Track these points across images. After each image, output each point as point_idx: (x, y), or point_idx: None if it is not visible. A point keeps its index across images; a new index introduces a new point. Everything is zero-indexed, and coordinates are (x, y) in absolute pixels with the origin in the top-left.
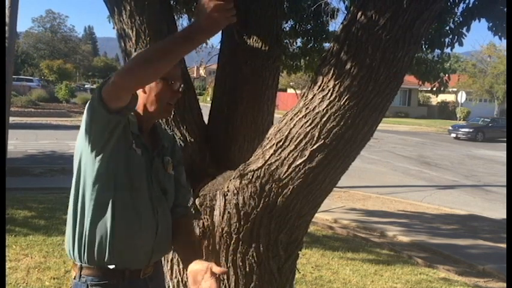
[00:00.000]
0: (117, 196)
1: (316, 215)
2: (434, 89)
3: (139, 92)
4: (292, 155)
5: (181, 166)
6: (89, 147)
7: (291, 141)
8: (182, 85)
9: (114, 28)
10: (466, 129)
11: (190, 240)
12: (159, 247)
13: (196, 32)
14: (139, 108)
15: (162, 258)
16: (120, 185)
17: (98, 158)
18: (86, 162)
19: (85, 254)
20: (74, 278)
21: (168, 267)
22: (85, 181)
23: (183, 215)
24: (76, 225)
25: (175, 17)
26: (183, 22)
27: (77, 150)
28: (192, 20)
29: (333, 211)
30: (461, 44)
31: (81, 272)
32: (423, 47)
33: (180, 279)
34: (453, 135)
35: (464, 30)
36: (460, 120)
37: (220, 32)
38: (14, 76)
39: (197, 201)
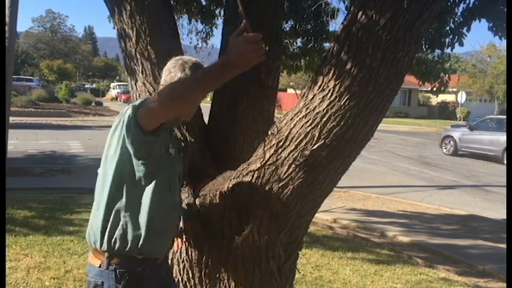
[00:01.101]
0: (155, 193)
1: (316, 215)
2: (435, 89)
3: None
4: (292, 155)
5: None
6: (132, 153)
7: (291, 141)
8: None
9: (114, 28)
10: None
11: None
12: (174, 237)
13: (230, 69)
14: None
15: None
16: (159, 185)
17: (140, 162)
18: (124, 160)
19: (117, 244)
20: (99, 266)
21: None
22: (125, 179)
23: None
24: (110, 217)
25: (175, 17)
26: (183, 22)
27: (114, 148)
28: (222, 54)
29: (333, 211)
30: (461, 44)
31: (109, 260)
32: (423, 47)
33: (180, 279)
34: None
35: (464, 31)
36: (460, 120)
37: (221, 32)
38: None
39: (197, 201)
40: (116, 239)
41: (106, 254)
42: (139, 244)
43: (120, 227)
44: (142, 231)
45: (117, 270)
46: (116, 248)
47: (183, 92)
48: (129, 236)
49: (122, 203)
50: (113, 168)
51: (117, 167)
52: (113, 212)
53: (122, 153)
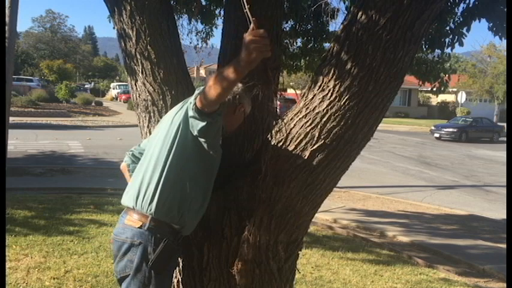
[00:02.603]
0: (208, 178)
1: (316, 215)
2: (435, 89)
3: None
4: (293, 155)
5: None
6: (197, 133)
7: (291, 141)
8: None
9: (114, 28)
10: (450, 129)
11: None
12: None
13: (243, 66)
14: (228, 125)
15: None
16: (211, 170)
17: (203, 140)
18: (189, 141)
19: (162, 211)
20: (140, 227)
21: None
22: (183, 156)
23: None
24: (163, 185)
25: (175, 17)
26: (183, 22)
27: (177, 127)
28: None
29: (333, 211)
30: (461, 44)
31: (153, 223)
32: (423, 47)
33: (180, 279)
34: (436, 135)
35: (464, 31)
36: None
37: (221, 32)
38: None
39: None
40: (164, 204)
41: (150, 217)
42: (179, 215)
43: (172, 196)
44: (187, 204)
45: (157, 234)
46: (162, 213)
47: (223, 87)
48: (176, 206)
49: (177, 175)
50: (169, 141)
51: (172, 141)
52: (168, 181)
53: (180, 131)
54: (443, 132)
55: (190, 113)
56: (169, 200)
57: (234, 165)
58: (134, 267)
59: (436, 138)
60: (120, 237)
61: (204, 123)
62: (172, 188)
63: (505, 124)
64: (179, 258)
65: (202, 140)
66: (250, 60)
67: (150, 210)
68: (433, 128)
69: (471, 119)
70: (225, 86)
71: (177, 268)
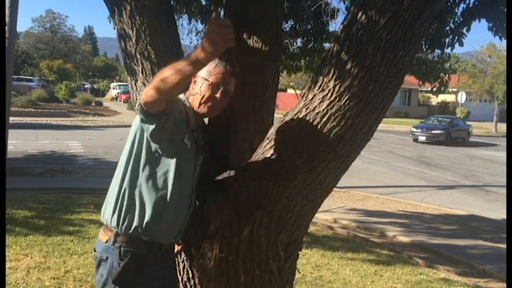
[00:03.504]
0: (165, 179)
1: (316, 215)
2: (435, 89)
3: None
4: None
5: None
6: (149, 139)
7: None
8: (227, 91)
9: (114, 28)
10: (438, 131)
11: None
12: (185, 227)
13: (199, 53)
14: (191, 104)
15: None
16: (170, 172)
17: (155, 146)
18: (140, 146)
19: (125, 224)
20: (106, 242)
21: None
22: (137, 162)
23: None
24: (124, 197)
25: (175, 17)
26: (183, 22)
27: (133, 135)
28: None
29: (333, 211)
30: (461, 44)
31: (116, 237)
32: (423, 47)
33: (180, 280)
34: (421, 138)
35: (464, 31)
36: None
37: None
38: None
39: (197, 201)
40: (124, 217)
41: (114, 230)
42: (144, 224)
43: (129, 206)
44: (148, 212)
45: (122, 248)
46: (123, 226)
47: (165, 78)
48: (136, 216)
49: (133, 184)
50: (127, 154)
51: (131, 150)
52: (125, 191)
53: (137, 138)
54: (430, 134)
55: (139, 116)
56: (130, 212)
57: (233, 165)
58: (102, 281)
59: (420, 142)
60: (95, 251)
61: (153, 126)
62: (130, 199)
63: (472, 124)
64: (179, 259)
65: (156, 144)
66: (214, 49)
67: (113, 223)
68: (414, 129)
69: (449, 119)
70: (179, 79)
71: (177, 268)
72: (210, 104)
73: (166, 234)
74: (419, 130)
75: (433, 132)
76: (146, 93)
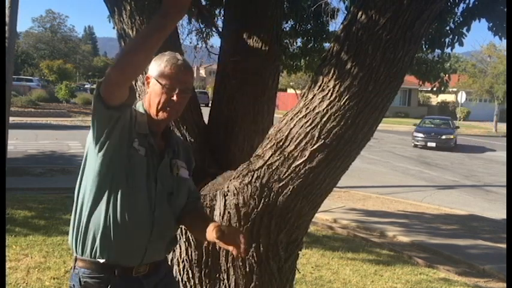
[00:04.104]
0: (113, 192)
1: (316, 215)
2: (435, 89)
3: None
4: (292, 155)
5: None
6: (93, 142)
7: (291, 141)
8: (184, 90)
9: (114, 28)
10: (447, 136)
11: (207, 217)
12: (153, 247)
13: (161, 15)
14: (147, 108)
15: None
16: (117, 182)
17: (100, 154)
18: (90, 157)
19: (80, 246)
20: (71, 268)
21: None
22: (87, 176)
23: (195, 203)
24: (76, 217)
25: None
26: (182, 22)
27: (86, 146)
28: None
29: (333, 211)
30: (461, 44)
31: (75, 263)
32: (423, 47)
33: (180, 279)
34: (431, 144)
35: (464, 30)
36: (459, 120)
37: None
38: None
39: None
40: (79, 240)
41: (74, 255)
42: (97, 244)
43: (82, 227)
44: (100, 231)
45: (80, 275)
46: (79, 250)
47: (127, 49)
48: (89, 236)
49: (83, 202)
50: (81, 167)
51: (83, 165)
52: (78, 211)
53: (88, 150)
54: (439, 139)
55: (94, 107)
56: (83, 233)
57: (233, 165)
58: None
59: (430, 148)
60: None
61: (105, 120)
62: (83, 219)
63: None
64: (179, 259)
65: (100, 150)
66: (172, 7)
67: (72, 247)
68: (418, 134)
69: (442, 120)
70: (143, 47)
71: (177, 268)
72: (168, 108)
73: (126, 255)
74: (424, 135)
75: (444, 137)
76: (107, 76)
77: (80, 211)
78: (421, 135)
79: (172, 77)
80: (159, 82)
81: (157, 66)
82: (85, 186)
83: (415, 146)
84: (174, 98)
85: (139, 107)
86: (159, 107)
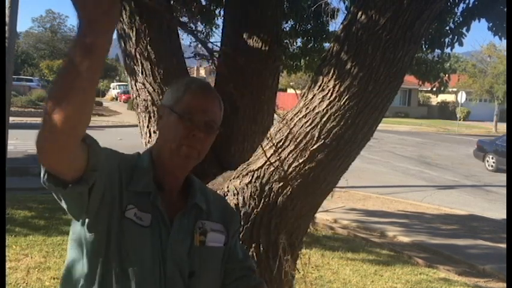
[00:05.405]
0: (105, 278)
1: (316, 215)
2: (434, 89)
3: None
4: (292, 155)
5: (236, 239)
6: (81, 228)
7: (291, 141)
8: (209, 122)
9: None
10: None
11: None
12: None
13: (81, 33)
14: (158, 153)
15: None
16: (107, 266)
17: (84, 228)
18: (75, 230)
19: None
20: None
21: None
22: (74, 252)
23: (247, 279)
24: None
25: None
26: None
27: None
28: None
29: (333, 211)
30: (461, 44)
31: None
32: (423, 47)
33: None
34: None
35: (464, 30)
36: (460, 120)
37: (221, 32)
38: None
39: None
40: None
41: None
42: None
43: None
44: None
45: None
46: None
47: (53, 103)
48: None
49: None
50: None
51: (70, 240)
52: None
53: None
54: None
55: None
56: None
57: (233, 166)
58: None
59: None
60: None
61: (62, 198)
62: None
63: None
64: None
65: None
66: (88, 7)
67: None
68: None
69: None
70: (70, 72)
71: None
72: (186, 147)
73: None
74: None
75: None
76: (37, 148)
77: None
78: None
79: (193, 104)
80: (175, 112)
81: (174, 92)
82: (69, 262)
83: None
84: (196, 133)
85: (143, 159)
86: (174, 146)
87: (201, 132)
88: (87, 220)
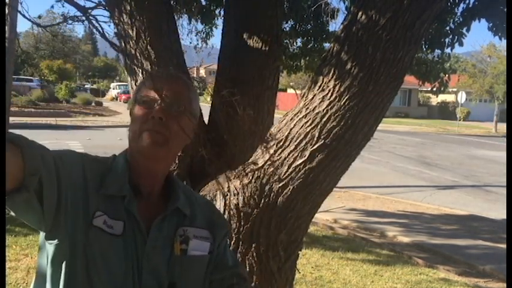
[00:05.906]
0: None
1: (316, 215)
2: (435, 89)
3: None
4: (292, 155)
5: (225, 245)
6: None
7: (291, 141)
8: (169, 103)
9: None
10: None
11: None
12: None
13: None
14: (131, 150)
15: None
16: (73, 279)
17: (51, 242)
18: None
19: None
20: None
21: None
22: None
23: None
24: None
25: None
26: (183, 22)
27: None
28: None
29: (333, 211)
30: (461, 44)
31: None
32: (423, 47)
33: None
34: None
35: (464, 31)
36: (460, 120)
37: (221, 32)
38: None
39: None
40: None
41: None
42: None
43: None
44: None
45: None
46: None
47: None
48: None
49: None
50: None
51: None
52: None
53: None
54: None
55: None
56: None
57: (233, 166)
58: None
59: None
60: None
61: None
62: None
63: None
64: None
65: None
66: None
67: None
68: None
69: None
70: None
71: None
72: (147, 132)
73: None
74: None
75: None
76: None
77: None
78: None
79: (151, 88)
80: (135, 101)
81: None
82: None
83: None
84: (155, 114)
85: (118, 161)
86: (136, 135)
87: (158, 112)
88: (43, 228)
